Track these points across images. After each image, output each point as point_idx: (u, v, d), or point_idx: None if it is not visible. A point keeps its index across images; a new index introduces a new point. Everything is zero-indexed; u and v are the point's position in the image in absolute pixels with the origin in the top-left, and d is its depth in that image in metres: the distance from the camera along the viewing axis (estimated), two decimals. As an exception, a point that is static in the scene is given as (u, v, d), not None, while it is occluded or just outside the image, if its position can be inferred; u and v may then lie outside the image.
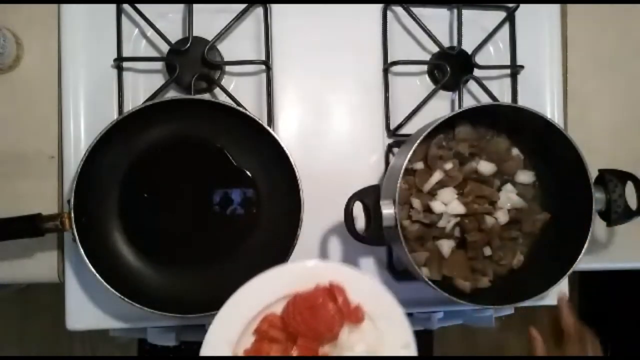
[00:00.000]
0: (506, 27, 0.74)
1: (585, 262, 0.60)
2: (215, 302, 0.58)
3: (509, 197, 0.64)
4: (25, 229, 0.58)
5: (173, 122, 0.63)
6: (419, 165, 0.64)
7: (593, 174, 0.62)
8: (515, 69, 0.74)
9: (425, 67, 0.74)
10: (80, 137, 0.66)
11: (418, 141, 0.58)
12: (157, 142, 0.64)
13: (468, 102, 0.72)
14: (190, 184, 0.65)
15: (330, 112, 0.70)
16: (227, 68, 0.70)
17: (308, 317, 0.46)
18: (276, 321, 0.47)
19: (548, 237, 0.66)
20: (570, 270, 0.60)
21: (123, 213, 0.64)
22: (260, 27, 0.70)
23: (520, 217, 0.65)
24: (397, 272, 0.70)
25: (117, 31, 0.67)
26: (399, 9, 0.72)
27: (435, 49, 0.72)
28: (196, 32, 0.67)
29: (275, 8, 0.70)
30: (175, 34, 0.68)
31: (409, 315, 0.79)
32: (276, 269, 0.48)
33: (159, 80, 0.68)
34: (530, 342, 0.63)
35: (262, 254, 0.64)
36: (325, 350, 0.47)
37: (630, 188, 0.62)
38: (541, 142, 0.64)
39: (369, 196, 0.59)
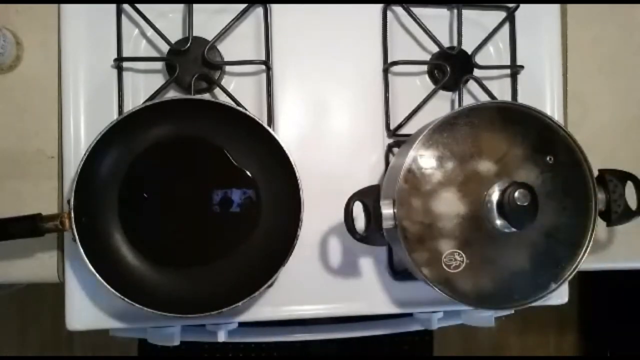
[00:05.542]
0: (506, 27, 0.74)
1: (585, 262, 0.60)
2: (215, 302, 0.59)
3: (509, 197, 0.64)
4: (25, 229, 0.57)
5: (173, 122, 0.63)
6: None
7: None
8: (515, 69, 0.74)
9: (425, 67, 0.74)
10: (80, 137, 0.66)
11: (418, 141, 0.58)
12: (157, 142, 0.64)
13: (468, 102, 0.72)
14: (190, 184, 0.65)
15: (330, 112, 0.70)
16: (227, 68, 0.70)
17: None
18: None
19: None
20: (570, 270, 0.60)
21: (123, 213, 0.64)
22: (260, 27, 0.70)
23: (520, 217, 0.65)
24: (397, 272, 0.70)
25: (117, 31, 0.67)
26: (399, 9, 0.72)
27: (435, 49, 0.72)
28: (196, 32, 0.67)
29: (275, 8, 0.70)
30: (175, 34, 0.68)
31: (409, 315, 0.80)
32: None
33: (159, 80, 0.68)
34: None
35: (262, 254, 0.64)
36: None
37: (630, 188, 0.62)
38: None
39: (369, 196, 0.58)
